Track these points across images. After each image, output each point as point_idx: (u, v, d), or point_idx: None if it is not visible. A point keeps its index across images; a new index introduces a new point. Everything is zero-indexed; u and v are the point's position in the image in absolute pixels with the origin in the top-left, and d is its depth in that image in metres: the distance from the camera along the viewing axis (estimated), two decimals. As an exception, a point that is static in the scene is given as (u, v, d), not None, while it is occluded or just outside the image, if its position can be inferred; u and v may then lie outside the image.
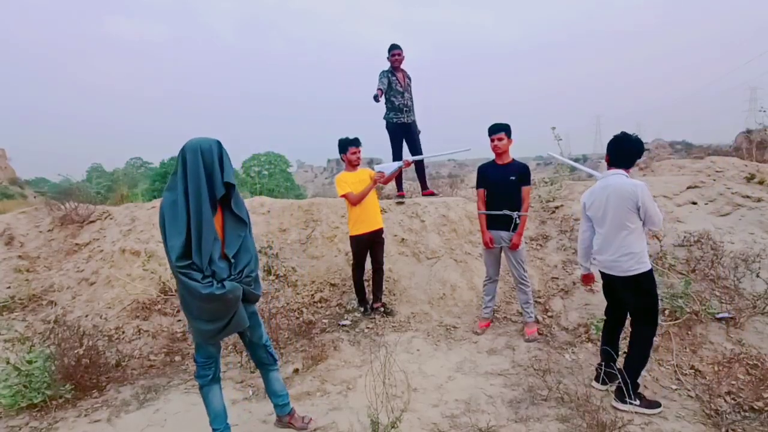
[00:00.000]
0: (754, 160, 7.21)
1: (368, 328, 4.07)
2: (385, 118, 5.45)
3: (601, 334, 3.14)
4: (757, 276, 3.68)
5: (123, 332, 4.01)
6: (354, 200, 4.05)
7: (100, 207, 6.03)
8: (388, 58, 5.33)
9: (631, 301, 2.77)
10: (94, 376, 3.26)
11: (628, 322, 2.91)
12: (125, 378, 3.38)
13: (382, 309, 4.30)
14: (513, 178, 3.71)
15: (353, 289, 4.42)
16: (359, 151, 4.19)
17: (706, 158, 6.56)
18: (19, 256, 5.23)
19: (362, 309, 4.33)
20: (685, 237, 4.30)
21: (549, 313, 4.07)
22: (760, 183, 5.48)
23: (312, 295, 4.60)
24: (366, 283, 4.40)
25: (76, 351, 3.24)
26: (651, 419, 2.63)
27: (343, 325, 4.11)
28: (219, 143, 2.17)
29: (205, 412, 2.43)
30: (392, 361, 2.61)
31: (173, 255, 2.03)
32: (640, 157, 2.87)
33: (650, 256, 2.84)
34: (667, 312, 3.53)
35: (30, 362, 3.03)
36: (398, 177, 5.74)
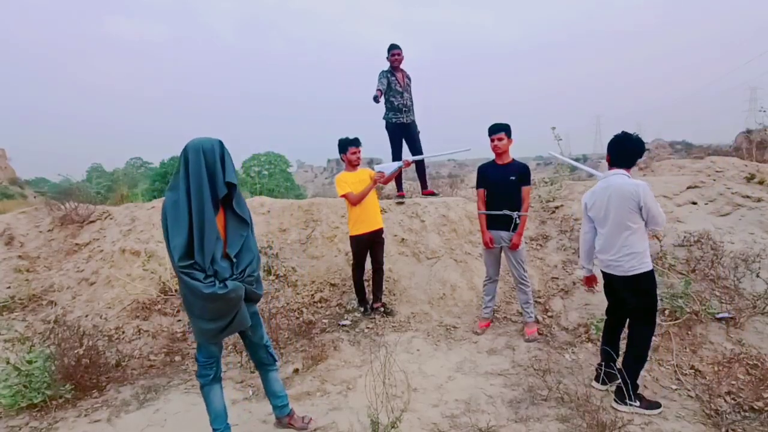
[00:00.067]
0: (754, 160, 7.21)
1: (368, 328, 4.07)
2: (384, 118, 5.45)
3: (601, 334, 3.14)
4: (757, 276, 3.68)
5: (123, 332, 4.01)
6: (354, 200, 4.05)
7: (100, 207, 6.03)
8: (387, 58, 5.33)
9: (631, 301, 2.76)
10: (94, 376, 3.26)
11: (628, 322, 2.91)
12: (125, 378, 3.38)
13: (382, 309, 4.30)
14: (513, 178, 3.71)
15: (353, 289, 4.42)
16: (359, 151, 4.19)
17: (706, 158, 6.56)
18: (19, 256, 5.23)
19: (362, 309, 4.33)
20: (685, 237, 4.30)
21: (549, 313, 4.07)
22: (760, 183, 5.48)
23: (312, 295, 4.60)
24: (366, 283, 4.40)
25: (76, 351, 3.24)
26: (651, 419, 2.63)
27: (343, 325, 4.11)
28: (221, 143, 2.17)
29: (205, 412, 2.43)
30: (392, 361, 2.61)
31: (176, 255, 2.04)
32: (641, 157, 2.86)
33: (650, 256, 2.83)
34: (667, 312, 3.53)
35: (30, 362, 3.03)
36: (398, 177, 5.75)
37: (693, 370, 3.11)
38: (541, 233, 5.15)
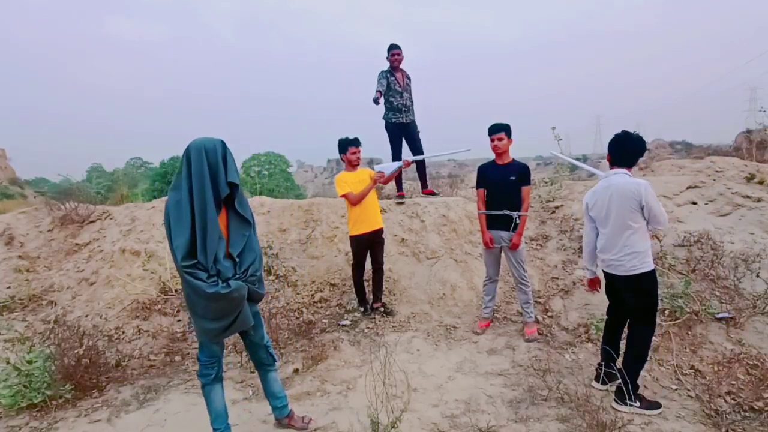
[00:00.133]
0: (754, 160, 7.21)
1: (368, 328, 4.07)
2: (384, 118, 5.45)
3: (601, 334, 3.14)
4: (757, 276, 3.68)
5: (123, 332, 4.00)
6: (354, 200, 4.05)
7: (100, 207, 6.03)
8: (387, 58, 5.33)
9: (632, 301, 2.76)
10: (94, 376, 3.26)
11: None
12: (125, 378, 3.38)
13: (382, 309, 4.30)
14: (513, 178, 3.71)
15: (353, 289, 4.42)
16: (359, 151, 4.19)
17: (706, 158, 6.56)
18: (19, 256, 5.23)
19: (362, 309, 4.33)
20: (685, 237, 4.30)
21: (549, 313, 4.07)
22: (760, 183, 5.48)
23: (312, 295, 4.61)
24: (366, 283, 4.40)
25: (76, 351, 3.24)
26: (651, 419, 2.63)
27: (343, 325, 4.11)
28: (223, 143, 2.18)
29: (205, 412, 2.43)
30: (392, 361, 2.61)
31: (179, 254, 2.05)
32: (642, 156, 2.84)
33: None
34: (667, 312, 3.53)
35: (30, 362, 3.03)
36: (398, 177, 5.74)
37: (693, 370, 3.11)
38: (541, 233, 5.16)
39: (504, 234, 3.76)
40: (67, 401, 3.01)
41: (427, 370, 3.32)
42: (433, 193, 5.92)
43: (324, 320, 4.25)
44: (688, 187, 5.18)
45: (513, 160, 3.81)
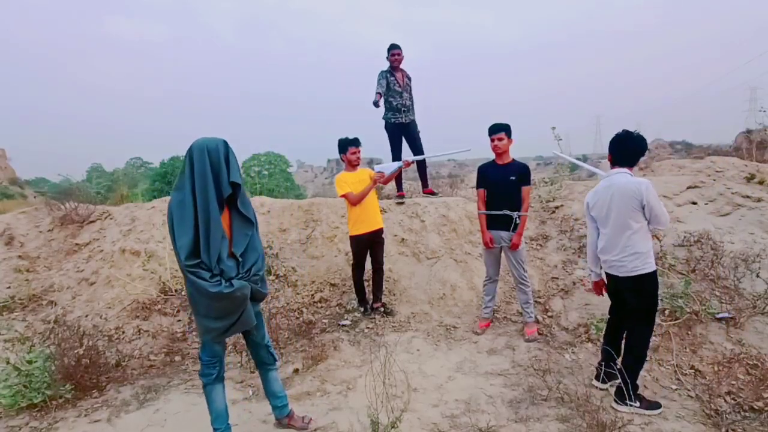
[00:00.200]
0: (754, 160, 7.21)
1: (368, 328, 4.07)
2: (383, 118, 5.45)
3: (602, 333, 3.13)
4: (757, 276, 3.68)
5: (123, 332, 4.01)
6: (354, 200, 4.05)
7: (100, 207, 6.03)
8: (387, 57, 5.33)
9: (632, 302, 2.75)
10: (94, 376, 3.26)
11: None
12: (125, 378, 3.38)
13: (382, 309, 4.30)
14: (513, 178, 3.71)
15: (353, 289, 4.42)
16: (359, 151, 4.19)
17: (706, 158, 6.56)
18: (19, 256, 5.23)
19: (362, 309, 4.33)
20: (685, 237, 4.30)
21: (549, 313, 4.07)
22: (760, 183, 5.48)
23: (312, 295, 4.61)
24: (366, 283, 4.40)
25: (76, 351, 3.24)
26: (651, 419, 2.63)
27: (343, 325, 4.11)
28: (225, 143, 2.19)
29: (205, 412, 2.43)
30: (392, 361, 2.61)
31: (182, 254, 2.06)
32: (643, 155, 2.83)
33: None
34: (667, 312, 3.53)
35: (30, 362, 3.03)
36: (398, 177, 5.74)
37: (693, 370, 3.11)
38: (541, 233, 5.16)
39: (504, 234, 3.76)
40: (67, 401, 3.01)
41: (427, 370, 3.32)
42: (433, 193, 5.92)
43: (324, 320, 4.25)
44: (688, 187, 5.18)
45: (513, 160, 3.81)
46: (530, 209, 4.89)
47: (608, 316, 3.06)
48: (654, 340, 3.34)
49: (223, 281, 2.13)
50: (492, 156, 3.84)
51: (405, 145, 5.48)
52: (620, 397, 2.71)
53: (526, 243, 4.38)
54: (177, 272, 4.59)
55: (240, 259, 2.23)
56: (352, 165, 4.22)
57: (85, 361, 3.23)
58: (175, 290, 4.40)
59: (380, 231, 4.27)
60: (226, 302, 2.14)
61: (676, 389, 2.96)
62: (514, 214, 3.71)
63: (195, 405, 2.96)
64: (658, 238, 4.28)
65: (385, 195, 6.60)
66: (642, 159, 2.88)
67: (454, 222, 5.26)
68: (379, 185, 4.48)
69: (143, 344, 3.87)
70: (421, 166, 5.73)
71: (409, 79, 5.44)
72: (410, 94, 5.43)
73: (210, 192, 2.09)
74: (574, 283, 4.29)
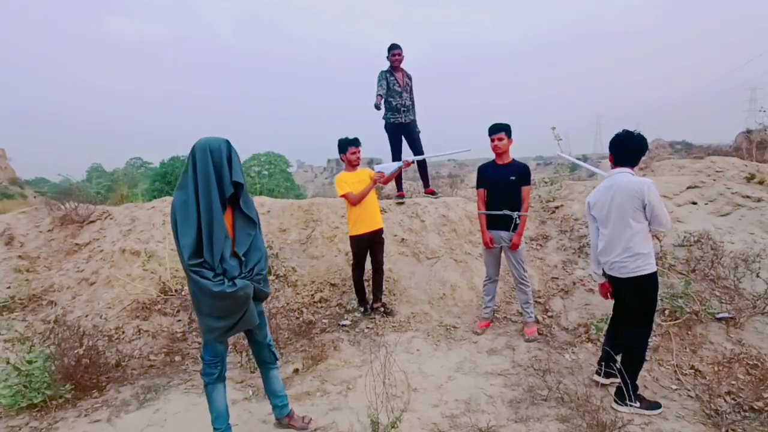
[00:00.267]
0: (754, 160, 7.21)
1: (368, 328, 4.07)
2: (383, 118, 5.45)
3: (602, 333, 3.13)
4: (757, 276, 3.68)
5: (123, 332, 4.00)
6: (354, 200, 4.05)
7: (100, 207, 6.03)
8: (387, 57, 5.33)
9: (632, 302, 2.74)
10: (94, 376, 3.26)
11: None
12: (125, 378, 3.38)
13: (382, 309, 4.30)
14: (513, 178, 3.71)
15: (353, 289, 4.42)
16: (359, 151, 4.19)
17: (706, 158, 6.56)
18: (19, 256, 5.23)
19: (362, 309, 4.33)
20: (685, 237, 4.30)
21: (549, 313, 4.07)
22: (760, 183, 5.48)
23: (312, 295, 4.61)
24: (366, 283, 4.40)
25: (76, 351, 3.24)
26: (651, 419, 2.63)
27: (343, 325, 4.11)
28: (228, 142, 2.20)
29: (205, 412, 2.43)
30: (392, 361, 2.61)
31: (185, 253, 2.06)
32: (644, 155, 2.82)
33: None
34: (667, 312, 3.53)
35: (30, 362, 3.03)
36: (398, 177, 5.74)
37: (693, 370, 3.11)
38: (541, 233, 5.16)
39: (504, 234, 3.76)
40: (67, 401, 3.01)
41: (427, 370, 3.32)
42: (433, 193, 5.92)
43: (324, 320, 4.25)
44: (688, 187, 5.18)
45: (513, 160, 3.81)
46: (530, 209, 4.89)
47: (609, 317, 3.06)
48: (654, 340, 3.34)
49: (226, 281, 2.14)
50: (492, 156, 3.84)
51: (405, 145, 5.48)
52: (620, 397, 2.70)
53: (526, 243, 4.38)
54: (177, 272, 4.59)
55: (243, 259, 2.24)
56: (352, 165, 4.22)
57: (85, 361, 3.23)
58: (175, 290, 4.40)
59: (380, 231, 4.27)
60: (228, 302, 2.15)
61: (676, 389, 2.96)
62: (514, 214, 3.71)
63: (195, 405, 2.97)
64: (658, 239, 4.28)
65: (385, 195, 6.60)
66: (642, 159, 2.87)
67: (454, 222, 5.26)
68: (379, 185, 4.48)
69: (143, 344, 3.87)
70: (422, 166, 5.72)
71: (410, 78, 5.44)
72: (410, 94, 5.43)
73: (213, 191, 2.10)
74: (574, 283, 4.29)
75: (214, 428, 2.39)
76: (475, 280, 4.62)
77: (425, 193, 5.91)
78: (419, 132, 5.56)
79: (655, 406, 2.71)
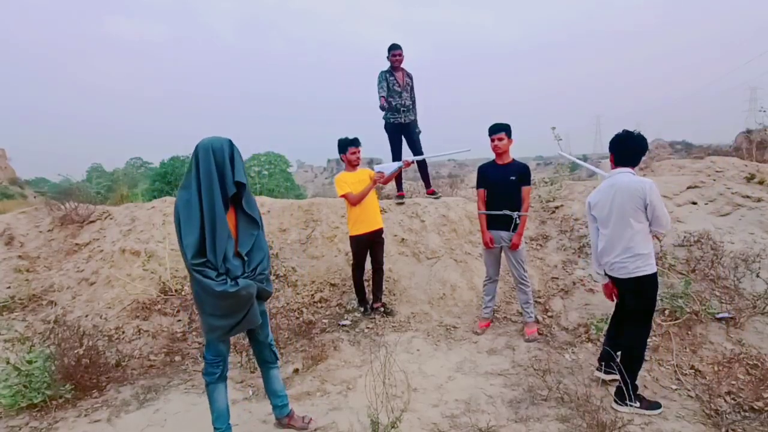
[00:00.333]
0: (754, 160, 7.21)
1: (368, 328, 4.07)
2: (383, 118, 5.45)
3: (602, 333, 3.13)
4: (757, 276, 3.68)
5: (123, 332, 4.00)
6: (353, 200, 4.05)
7: (100, 207, 6.03)
8: (388, 57, 5.33)
9: (631, 303, 2.74)
10: (94, 376, 3.26)
11: None
12: (125, 378, 3.38)
13: (382, 309, 4.30)
14: (513, 178, 3.71)
15: (353, 289, 4.42)
16: (359, 151, 4.19)
17: (706, 158, 6.56)
18: (19, 256, 5.23)
19: (362, 309, 4.33)
20: (685, 237, 4.30)
21: (549, 313, 4.07)
22: (760, 183, 5.48)
23: (312, 295, 4.61)
24: (366, 283, 4.40)
25: (76, 351, 3.24)
26: (651, 419, 2.63)
27: (343, 325, 4.11)
28: (230, 142, 2.21)
29: (205, 412, 2.43)
30: (392, 361, 2.61)
31: (189, 253, 2.07)
32: (644, 155, 2.81)
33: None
34: (667, 312, 3.53)
35: (30, 362, 3.03)
36: (398, 177, 5.74)
37: (693, 370, 3.11)
38: (541, 233, 5.16)
39: (504, 234, 3.76)
40: (67, 401, 3.01)
41: (427, 370, 3.32)
42: (434, 193, 5.92)
43: (324, 320, 4.25)
44: (688, 187, 5.18)
45: (513, 160, 3.81)
46: (530, 209, 4.89)
47: (610, 316, 3.06)
48: (654, 340, 3.34)
49: (229, 280, 2.15)
50: (492, 156, 3.84)
51: (405, 145, 5.47)
52: (620, 397, 2.70)
53: (526, 243, 4.38)
54: (177, 272, 4.59)
55: (246, 258, 2.25)
56: (352, 165, 4.22)
57: (85, 361, 3.23)
58: (175, 290, 4.40)
59: (380, 231, 4.27)
60: (231, 301, 2.16)
61: (676, 389, 2.96)
62: (514, 214, 3.71)
63: (195, 405, 2.97)
64: (658, 239, 4.28)
65: (385, 195, 6.60)
66: (642, 159, 2.87)
67: (454, 222, 5.26)
68: (379, 185, 4.48)
69: (143, 344, 3.86)
70: (423, 167, 5.71)
71: (411, 78, 5.43)
72: (410, 93, 5.42)
73: (215, 191, 2.12)
74: (574, 283, 4.29)
75: (215, 428, 2.39)
76: (475, 280, 4.62)
77: (427, 194, 5.90)
78: (420, 132, 5.56)
79: (655, 406, 2.71)
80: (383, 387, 2.44)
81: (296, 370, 3.35)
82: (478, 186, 3.91)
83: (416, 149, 5.39)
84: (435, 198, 5.68)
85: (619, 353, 2.86)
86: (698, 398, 2.83)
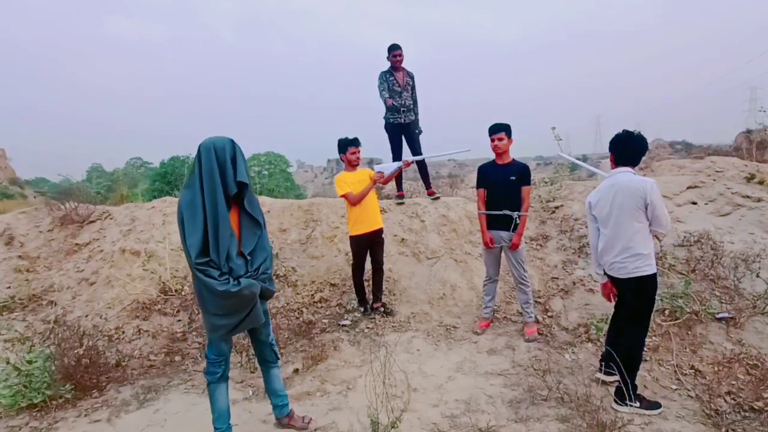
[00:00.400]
0: (754, 160, 7.21)
1: (368, 328, 4.07)
2: (383, 118, 5.45)
3: (602, 333, 3.13)
4: (757, 276, 3.68)
5: (123, 332, 4.00)
6: (353, 200, 4.05)
7: (100, 207, 6.03)
8: (388, 58, 5.32)
9: (631, 303, 2.74)
10: (94, 376, 3.26)
11: None
12: (125, 378, 3.38)
13: (382, 309, 4.30)
14: (513, 178, 3.71)
15: (353, 289, 4.42)
16: (359, 151, 4.19)
17: (706, 158, 6.56)
18: (19, 256, 5.23)
19: (362, 309, 4.33)
20: (685, 237, 4.31)
21: (549, 313, 4.07)
22: (760, 183, 5.48)
23: (312, 295, 4.61)
24: (366, 283, 4.40)
25: (76, 351, 3.24)
26: (651, 419, 2.63)
27: (343, 325, 4.11)
28: (233, 142, 2.21)
29: (204, 412, 2.43)
30: (392, 361, 2.61)
31: (192, 252, 2.08)
32: (644, 154, 2.81)
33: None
34: (667, 312, 3.53)
35: (30, 362, 3.03)
36: (398, 177, 5.74)
37: (693, 370, 3.11)
38: (541, 233, 5.16)
39: (504, 234, 3.76)
40: (67, 401, 3.01)
41: (427, 370, 3.32)
42: (433, 194, 5.91)
43: (324, 320, 4.25)
44: (688, 187, 5.18)
45: (513, 160, 3.81)
46: (530, 209, 4.89)
47: (609, 316, 3.05)
48: (654, 340, 3.34)
49: (232, 279, 2.15)
50: (492, 156, 3.84)
51: (406, 145, 5.47)
52: (620, 397, 2.70)
53: (526, 243, 4.38)
54: (177, 272, 4.59)
55: (248, 258, 2.26)
56: (352, 165, 4.22)
57: (85, 361, 3.23)
58: (175, 290, 4.40)
59: (380, 231, 4.27)
60: (233, 300, 2.17)
61: (676, 389, 2.96)
62: (514, 214, 3.71)
63: (195, 405, 2.97)
64: (658, 239, 4.28)
65: (385, 195, 6.60)
66: (642, 159, 2.87)
67: (454, 222, 5.27)
68: (379, 185, 4.48)
69: (143, 344, 3.86)
70: (422, 167, 5.70)
71: (411, 78, 5.41)
72: (411, 93, 5.40)
73: (218, 191, 2.13)
74: (574, 283, 4.29)
75: (215, 428, 2.39)
76: (475, 280, 4.62)
77: (428, 194, 5.89)
78: (421, 132, 5.55)
79: (655, 406, 2.71)
80: (383, 387, 2.45)
81: (296, 370, 3.35)
82: (478, 186, 3.91)
83: (415, 150, 5.39)
84: (434, 199, 5.68)
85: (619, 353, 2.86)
86: (698, 398, 2.83)
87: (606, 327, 3.17)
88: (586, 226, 3.78)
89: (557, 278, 4.45)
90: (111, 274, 4.65)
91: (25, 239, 5.51)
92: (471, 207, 5.46)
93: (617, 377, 2.72)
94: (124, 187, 9.77)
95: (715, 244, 4.11)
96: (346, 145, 4.16)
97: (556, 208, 5.48)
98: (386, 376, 2.48)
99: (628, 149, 2.73)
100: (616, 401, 2.74)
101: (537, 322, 3.93)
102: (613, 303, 2.95)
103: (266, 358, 2.54)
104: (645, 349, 3.25)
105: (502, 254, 3.91)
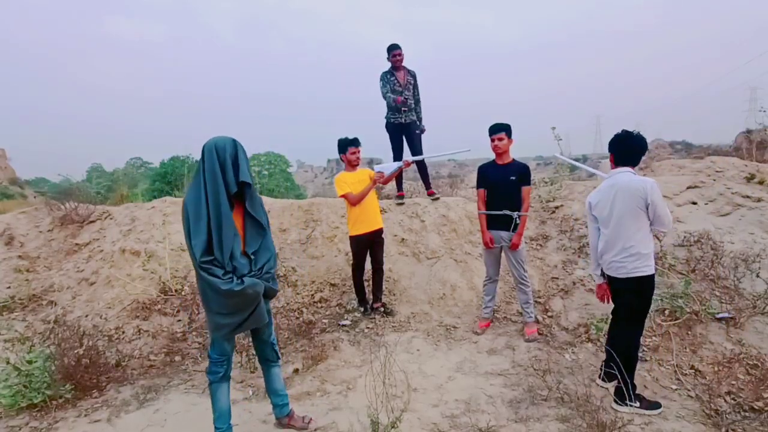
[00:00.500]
0: (754, 160, 7.21)
1: (368, 328, 4.07)
2: (384, 117, 5.45)
3: (602, 333, 3.13)
4: (757, 276, 3.68)
5: (123, 332, 4.00)
6: (353, 200, 4.05)
7: (100, 207, 6.03)
8: (388, 58, 5.32)
9: (627, 302, 2.74)
10: (94, 376, 3.26)
11: None
12: (125, 378, 3.38)
13: (382, 309, 4.30)
14: (513, 178, 3.71)
15: (353, 289, 4.42)
16: (359, 151, 4.19)
17: (706, 158, 6.56)
18: (19, 256, 5.23)
19: (362, 309, 4.33)
20: (685, 237, 4.30)
21: (549, 313, 4.07)
22: (760, 183, 5.48)
23: (312, 295, 4.61)
24: (366, 283, 4.40)
25: (76, 351, 3.24)
26: (651, 419, 2.63)
27: (343, 325, 4.11)
28: (234, 141, 2.22)
29: (205, 413, 2.43)
30: (392, 361, 2.61)
31: (197, 251, 2.09)
32: (644, 154, 2.81)
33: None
34: (667, 312, 3.53)
35: (30, 362, 3.03)
36: (398, 177, 5.74)
37: (693, 370, 3.11)
38: (541, 233, 5.16)
39: (504, 234, 3.76)
40: (67, 401, 3.01)
41: (427, 370, 3.32)
42: (433, 194, 5.91)
43: (324, 320, 4.25)
44: (688, 187, 5.18)
45: (513, 160, 3.81)
46: (530, 209, 4.89)
47: (609, 316, 3.05)
48: (654, 340, 3.34)
49: (235, 278, 2.16)
50: (492, 156, 3.84)
51: (406, 145, 5.47)
52: (620, 397, 2.70)
53: (526, 243, 4.38)
54: (177, 272, 4.59)
55: (252, 258, 2.27)
56: (352, 165, 4.22)
57: (85, 361, 3.23)
58: (175, 290, 4.40)
59: (380, 231, 4.27)
60: (237, 299, 2.18)
61: (676, 389, 2.96)
62: (514, 214, 3.71)
63: (195, 405, 2.97)
64: (658, 238, 4.28)
65: (385, 195, 6.60)
66: (642, 159, 2.87)
67: (454, 222, 5.26)
68: (379, 185, 4.48)
69: (143, 344, 3.86)
70: (422, 168, 5.69)
71: (413, 76, 5.40)
72: (412, 92, 5.39)
73: (220, 190, 2.14)
74: (574, 283, 4.29)
75: (216, 428, 2.39)
76: (475, 280, 4.62)
77: (428, 194, 5.89)
78: (423, 131, 5.54)
79: (655, 406, 2.71)
80: (383, 387, 2.45)
81: (296, 370, 3.35)
82: (478, 186, 3.91)
83: (415, 150, 5.38)
84: (434, 199, 5.68)
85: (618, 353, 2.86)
86: (698, 398, 2.83)
87: (606, 327, 3.17)
88: (586, 226, 3.78)
89: (557, 278, 4.45)
90: (111, 274, 4.65)
91: (25, 239, 5.50)
92: (471, 207, 5.46)
93: (614, 383, 2.72)
94: (124, 187, 9.77)
95: (715, 244, 4.11)
96: (346, 145, 4.16)
97: (556, 208, 5.48)
98: (386, 376, 2.48)
99: (627, 149, 2.73)
100: (616, 401, 2.74)
101: (537, 322, 3.93)
102: (607, 304, 2.96)
103: (267, 357, 2.55)
104: (645, 349, 3.26)
105: (502, 254, 3.91)
